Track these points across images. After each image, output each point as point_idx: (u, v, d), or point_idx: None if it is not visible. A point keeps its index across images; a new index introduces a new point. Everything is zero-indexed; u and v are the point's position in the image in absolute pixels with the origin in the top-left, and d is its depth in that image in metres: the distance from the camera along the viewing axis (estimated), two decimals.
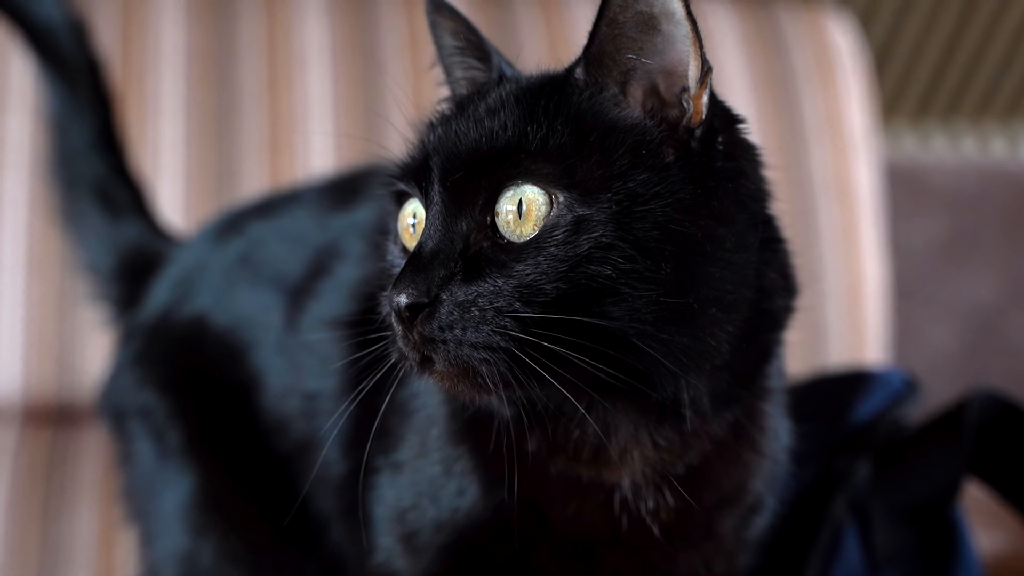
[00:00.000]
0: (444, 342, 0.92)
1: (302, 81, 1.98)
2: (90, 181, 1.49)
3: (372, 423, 1.11)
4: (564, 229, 0.92)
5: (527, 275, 0.92)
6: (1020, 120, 3.13)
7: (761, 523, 1.13)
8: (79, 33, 1.48)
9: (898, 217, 2.29)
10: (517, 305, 0.91)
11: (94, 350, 1.86)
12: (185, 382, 1.31)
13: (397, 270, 0.97)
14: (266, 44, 1.98)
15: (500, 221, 0.93)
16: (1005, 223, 2.50)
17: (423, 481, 1.09)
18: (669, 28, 0.93)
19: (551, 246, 0.92)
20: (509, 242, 0.93)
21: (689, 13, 0.93)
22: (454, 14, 1.06)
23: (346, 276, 1.23)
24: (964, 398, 1.34)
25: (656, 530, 1.04)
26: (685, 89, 0.95)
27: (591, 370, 0.92)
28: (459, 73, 1.08)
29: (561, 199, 0.92)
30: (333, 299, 1.23)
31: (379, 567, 1.13)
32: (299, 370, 1.24)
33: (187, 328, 1.32)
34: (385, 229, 1.07)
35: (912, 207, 2.43)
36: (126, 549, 1.68)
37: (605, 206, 0.92)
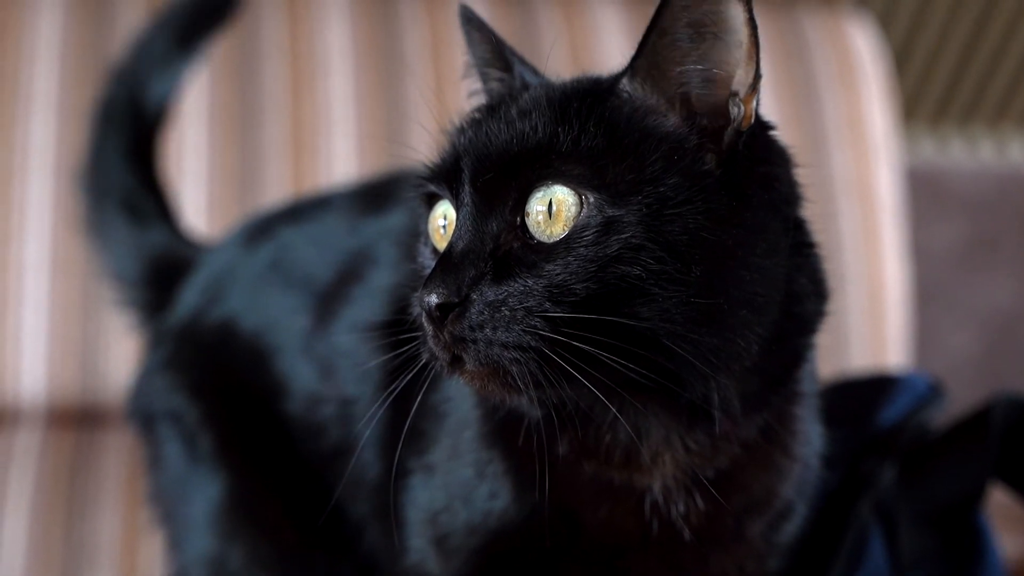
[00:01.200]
0: (474, 341, 0.92)
1: (325, 85, 1.98)
2: (118, 192, 1.51)
3: (406, 425, 1.11)
4: (594, 230, 0.92)
5: (557, 275, 0.92)
6: None
7: (791, 529, 1.14)
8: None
9: (918, 222, 2.29)
10: (547, 305, 0.92)
11: (118, 352, 1.87)
12: (214, 386, 1.31)
13: (428, 271, 0.97)
14: (289, 48, 1.99)
15: (530, 221, 0.94)
16: None
17: (456, 483, 1.10)
18: (725, 35, 0.94)
19: (581, 246, 0.92)
20: (539, 242, 0.94)
21: (751, 18, 0.93)
22: (482, 26, 1.08)
23: (379, 281, 1.24)
24: (988, 403, 1.34)
25: (687, 533, 1.04)
26: (735, 94, 0.96)
27: (622, 370, 0.92)
28: (491, 83, 1.09)
29: (591, 200, 0.93)
30: (366, 304, 1.24)
31: (412, 569, 1.13)
32: (333, 375, 1.24)
33: (216, 332, 1.33)
34: (417, 232, 1.07)
35: (932, 212, 2.43)
36: (150, 552, 1.70)
37: (635, 208, 0.92)
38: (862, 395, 1.41)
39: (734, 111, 0.96)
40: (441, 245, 1.00)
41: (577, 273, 0.92)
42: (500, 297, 0.92)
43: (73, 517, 1.78)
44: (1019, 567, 1.51)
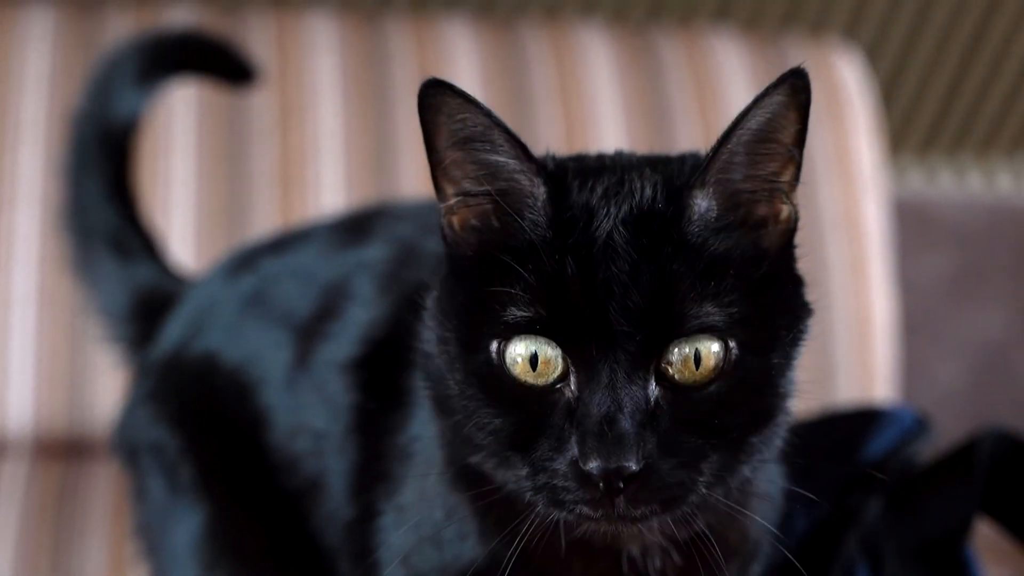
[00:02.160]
0: (654, 513, 0.93)
1: (313, 116, 1.99)
2: (103, 230, 1.51)
3: (375, 467, 1.11)
4: (740, 375, 0.94)
5: (710, 423, 0.93)
6: None
7: (758, 569, 1.14)
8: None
9: (905, 253, 2.29)
10: (709, 453, 0.93)
11: (105, 385, 1.86)
12: (197, 418, 1.31)
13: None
14: (277, 79, 1.99)
15: (673, 370, 0.93)
16: (1013, 259, 2.51)
17: (426, 524, 1.09)
18: (781, 140, 0.94)
19: (726, 391, 0.93)
20: (685, 389, 0.93)
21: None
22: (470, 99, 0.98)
23: (355, 317, 1.23)
24: (975, 436, 1.34)
25: None
26: (782, 191, 0.97)
27: None
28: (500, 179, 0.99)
29: (731, 344, 0.93)
30: (341, 340, 1.23)
31: None
32: (308, 409, 1.24)
33: (199, 364, 1.32)
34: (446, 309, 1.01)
35: (919, 243, 2.44)
36: None
37: (763, 344, 0.95)
38: (848, 429, 1.41)
39: (789, 208, 0.98)
40: (533, 379, 0.94)
41: (722, 416, 0.93)
42: (677, 463, 0.92)
43: (59, 549, 1.77)
44: None
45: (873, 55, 2.72)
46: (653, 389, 0.92)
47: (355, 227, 1.33)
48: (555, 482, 0.93)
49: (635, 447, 0.90)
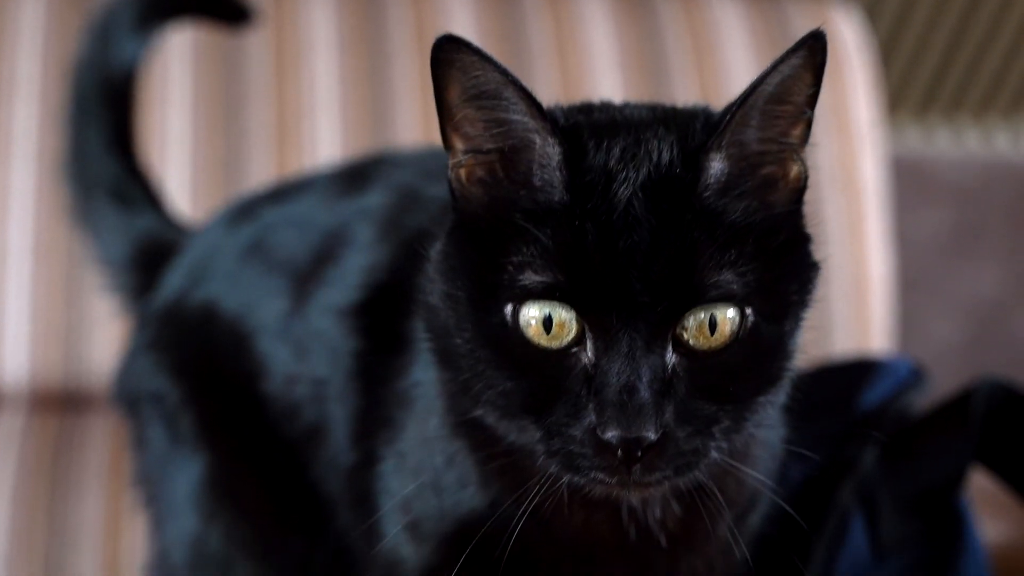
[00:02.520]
0: (668, 478, 0.93)
1: (309, 69, 1.98)
2: (104, 180, 1.51)
3: (376, 413, 1.11)
4: (753, 341, 0.94)
5: (724, 389, 0.94)
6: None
7: (756, 519, 1.14)
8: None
9: (902, 210, 2.29)
10: (721, 418, 0.94)
11: (101, 337, 1.86)
12: (197, 367, 1.31)
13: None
14: (273, 34, 1.98)
15: (688, 335, 0.93)
16: (1009, 216, 2.51)
17: (427, 470, 1.09)
18: (795, 102, 0.94)
19: (740, 356, 0.94)
20: (700, 355, 0.93)
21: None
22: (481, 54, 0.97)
23: (353, 263, 1.23)
24: (970, 387, 1.34)
25: (663, 540, 1.05)
26: (793, 149, 0.97)
27: None
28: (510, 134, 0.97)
29: (748, 312, 0.93)
30: (340, 286, 1.23)
31: (385, 555, 1.13)
32: (308, 357, 1.24)
33: (199, 314, 1.32)
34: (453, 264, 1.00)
35: (916, 200, 2.44)
36: (133, 536, 1.69)
37: (777, 310, 0.95)
38: (843, 379, 1.41)
39: (799, 166, 0.98)
40: (546, 342, 0.94)
41: (735, 381, 0.94)
42: (692, 430, 0.93)
43: (56, 501, 1.78)
44: (1000, 552, 1.51)
45: (872, 16, 2.71)
46: (671, 357, 0.92)
47: (355, 175, 1.33)
48: (571, 448, 0.93)
49: (654, 416, 0.90)
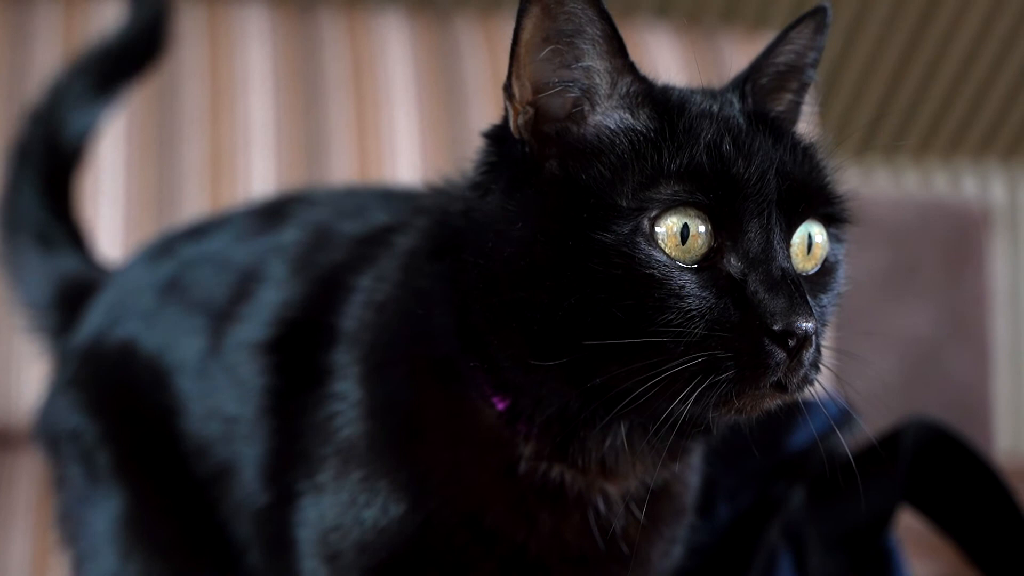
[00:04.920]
0: (816, 368, 0.98)
1: (244, 105, 1.97)
2: (30, 225, 1.50)
3: (292, 449, 1.10)
4: (840, 266, 1.04)
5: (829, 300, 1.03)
6: (961, 157, 3.17)
7: (678, 553, 1.15)
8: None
9: None
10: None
11: (28, 376, 1.84)
12: (114, 406, 1.30)
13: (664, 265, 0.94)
14: (208, 69, 1.98)
15: (793, 251, 0.98)
16: (944, 256, 2.53)
17: (346, 501, 1.08)
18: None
19: (830, 277, 1.02)
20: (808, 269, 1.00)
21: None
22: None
23: (267, 299, 1.22)
24: (899, 426, 1.35)
25: (624, 547, 1.05)
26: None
27: None
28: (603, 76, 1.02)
29: (837, 235, 1.02)
30: (253, 322, 1.22)
31: None
32: (219, 394, 1.23)
33: (118, 352, 1.31)
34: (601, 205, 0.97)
35: (853, 239, 2.45)
36: (60, 574, 1.67)
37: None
38: (772, 419, 1.40)
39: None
40: (681, 255, 0.94)
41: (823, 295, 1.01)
42: (824, 325, 0.99)
43: None
44: None
45: None
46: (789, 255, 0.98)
47: (271, 213, 1.32)
48: (725, 354, 0.92)
49: (811, 308, 0.94)
